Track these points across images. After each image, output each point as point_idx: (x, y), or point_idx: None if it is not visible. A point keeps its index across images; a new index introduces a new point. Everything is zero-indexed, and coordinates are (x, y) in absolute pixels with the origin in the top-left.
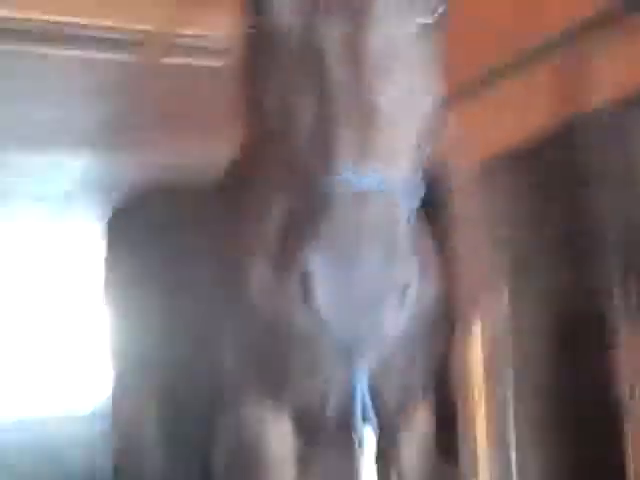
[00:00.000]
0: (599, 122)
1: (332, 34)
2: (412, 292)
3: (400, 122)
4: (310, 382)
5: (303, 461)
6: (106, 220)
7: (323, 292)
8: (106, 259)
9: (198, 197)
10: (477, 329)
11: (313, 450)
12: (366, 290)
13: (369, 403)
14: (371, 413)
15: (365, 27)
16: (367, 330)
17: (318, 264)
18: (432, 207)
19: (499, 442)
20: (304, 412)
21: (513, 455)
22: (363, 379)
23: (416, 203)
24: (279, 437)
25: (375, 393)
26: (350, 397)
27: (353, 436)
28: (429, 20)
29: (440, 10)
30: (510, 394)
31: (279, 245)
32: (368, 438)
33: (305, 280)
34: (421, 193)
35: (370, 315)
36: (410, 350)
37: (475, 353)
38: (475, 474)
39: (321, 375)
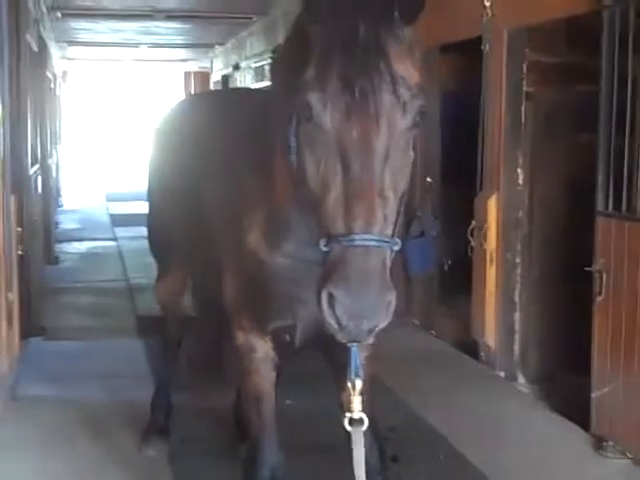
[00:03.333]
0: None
1: (351, 131)
2: (392, 304)
3: (391, 199)
4: (285, 322)
5: (277, 367)
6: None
7: (341, 306)
8: (153, 142)
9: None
10: (494, 199)
11: (284, 360)
12: (368, 304)
13: (359, 362)
14: (360, 369)
15: (374, 126)
16: (367, 326)
17: (339, 288)
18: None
19: (506, 303)
20: (280, 339)
21: (517, 315)
22: (355, 348)
23: (396, 249)
24: (263, 349)
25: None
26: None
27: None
28: (416, 119)
29: (423, 113)
30: (519, 259)
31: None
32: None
33: (330, 298)
34: (399, 244)
35: (369, 320)
36: None
37: (491, 219)
38: (483, 334)
39: (292, 318)
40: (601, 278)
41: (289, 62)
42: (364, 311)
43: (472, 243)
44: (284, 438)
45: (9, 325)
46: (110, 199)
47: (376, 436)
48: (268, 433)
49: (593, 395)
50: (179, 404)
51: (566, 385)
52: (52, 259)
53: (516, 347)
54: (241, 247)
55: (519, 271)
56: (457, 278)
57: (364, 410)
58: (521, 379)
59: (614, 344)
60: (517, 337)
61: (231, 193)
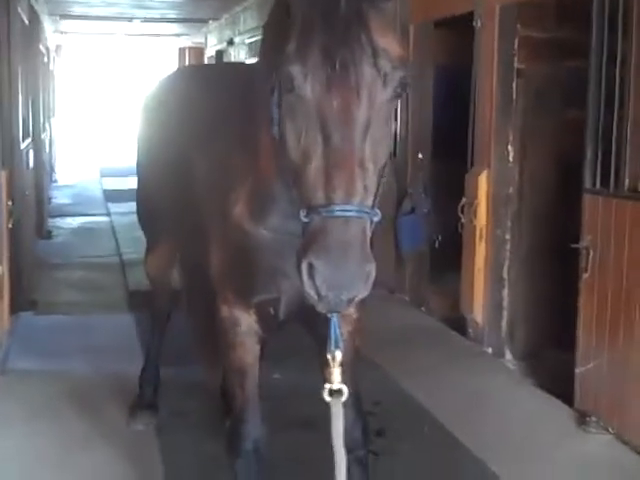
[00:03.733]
0: None
1: (331, 102)
2: (372, 275)
3: (371, 170)
4: (269, 295)
5: (262, 340)
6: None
7: (320, 276)
8: (141, 116)
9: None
10: (484, 176)
11: (268, 333)
12: (348, 274)
13: (338, 332)
14: (340, 340)
15: (355, 97)
16: (346, 297)
17: (320, 258)
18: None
19: (495, 279)
20: (264, 313)
21: (505, 292)
22: (335, 320)
23: (376, 220)
24: (247, 322)
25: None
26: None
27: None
28: (397, 91)
29: (405, 85)
30: (508, 235)
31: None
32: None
33: (310, 268)
34: (379, 215)
35: (348, 290)
36: None
37: (481, 195)
38: (471, 310)
39: (276, 291)
40: (587, 255)
41: (272, 36)
42: (343, 281)
43: (462, 219)
44: (271, 412)
45: None
46: (104, 174)
47: (359, 410)
48: (251, 406)
49: (577, 371)
50: (168, 378)
51: (553, 361)
52: (45, 234)
53: (504, 323)
54: (226, 220)
55: (508, 247)
56: (448, 255)
57: (347, 384)
58: (508, 355)
59: (599, 321)
60: (505, 313)
61: (217, 166)
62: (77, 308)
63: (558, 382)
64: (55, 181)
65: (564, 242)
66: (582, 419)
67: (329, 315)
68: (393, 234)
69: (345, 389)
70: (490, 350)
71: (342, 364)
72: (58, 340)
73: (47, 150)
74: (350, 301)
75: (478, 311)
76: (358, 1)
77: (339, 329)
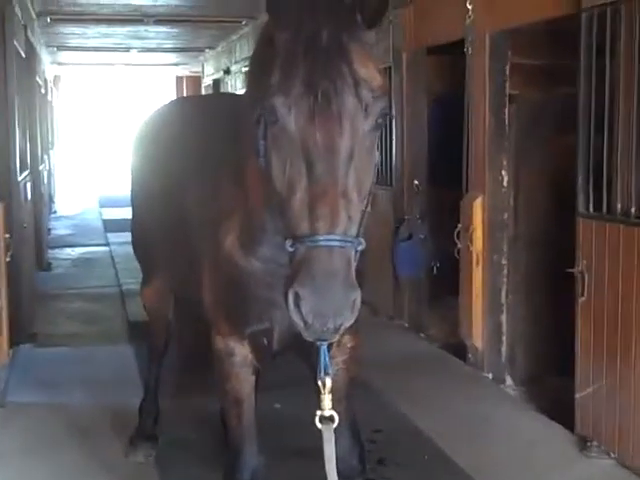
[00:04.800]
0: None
1: (314, 133)
2: (358, 303)
3: (355, 200)
4: (262, 326)
5: (256, 371)
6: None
7: (306, 305)
8: (133, 149)
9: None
10: (479, 201)
11: (263, 364)
12: (333, 302)
13: (328, 361)
14: (330, 367)
15: (337, 128)
16: (332, 325)
17: (305, 288)
18: None
19: (493, 304)
20: (258, 343)
21: (504, 317)
22: (324, 347)
23: (360, 249)
24: (242, 353)
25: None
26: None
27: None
28: (378, 121)
29: (385, 115)
30: (505, 260)
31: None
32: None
33: (296, 297)
34: (363, 244)
35: (334, 318)
36: None
37: (477, 221)
38: (470, 336)
39: (269, 322)
40: (583, 279)
41: (257, 68)
42: (329, 310)
43: (459, 245)
44: (271, 442)
45: None
46: (103, 204)
47: (357, 438)
48: (248, 436)
49: (577, 396)
50: (167, 409)
51: (553, 386)
52: (44, 265)
53: (503, 349)
54: (218, 251)
55: (505, 272)
56: (446, 280)
57: (342, 413)
58: (509, 381)
59: (596, 345)
60: (504, 339)
61: (207, 198)
62: (77, 340)
63: (559, 407)
64: (54, 212)
65: (561, 266)
66: (583, 444)
67: (317, 343)
68: (391, 260)
69: (336, 415)
70: (490, 376)
71: (334, 391)
72: (57, 372)
73: (45, 182)
74: (337, 329)
75: (477, 336)
76: (339, 33)
77: (329, 356)
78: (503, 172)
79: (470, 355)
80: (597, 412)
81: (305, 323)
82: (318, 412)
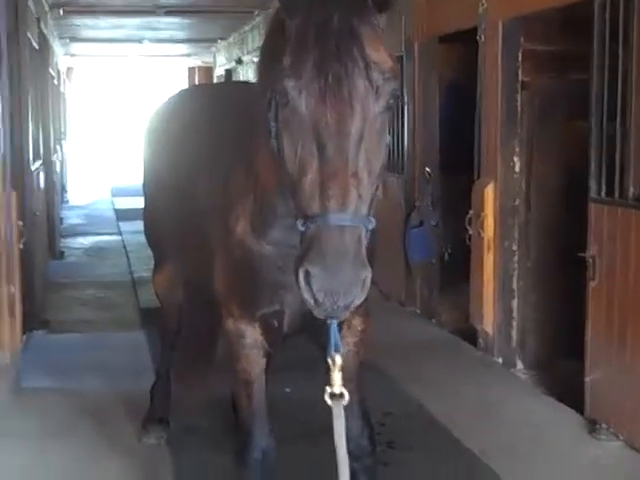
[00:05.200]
0: None
1: (325, 114)
2: (368, 281)
3: (365, 180)
4: (273, 308)
5: (267, 353)
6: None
7: (317, 283)
8: (145, 138)
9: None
10: (491, 188)
11: (273, 346)
12: (343, 280)
13: (339, 337)
14: (340, 344)
15: (348, 109)
16: (343, 302)
17: (316, 266)
18: None
19: (504, 290)
20: (269, 325)
21: (515, 302)
22: (334, 323)
23: (371, 228)
24: (252, 335)
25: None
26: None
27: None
28: (389, 102)
29: (397, 97)
30: (516, 246)
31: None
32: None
33: (307, 275)
34: (373, 224)
35: (345, 296)
36: None
37: (488, 207)
38: (481, 321)
39: (280, 304)
40: (594, 264)
41: (269, 53)
42: (339, 288)
43: (470, 232)
44: (282, 425)
45: (11, 318)
46: (115, 194)
47: (366, 419)
48: (259, 417)
49: (587, 379)
50: (178, 393)
51: (564, 370)
52: (57, 254)
53: (514, 333)
54: (229, 236)
55: (517, 258)
56: (457, 267)
57: (353, 394)
58: (519, 365)
59: (607, 328)
60: (515, 324)
61: (219, 183)
62: (89, 326)
63: (569, 391)
64: (67, 201)
65: (572, 251)
66: (593, 427)
67: (328, 321)
68: (402, 247)
69: (346, 392)
70: (501, 360)
71: (343, 372)
72: (71, 358)
73: (58, 171)
74: (347, 307)
75: (488, 322)
76: (350, 16)
77: (339, 335)
78: (515, 158)
79: (481, 340)
80: (607, 395)
81: (315, 301)
82: (328, 389)
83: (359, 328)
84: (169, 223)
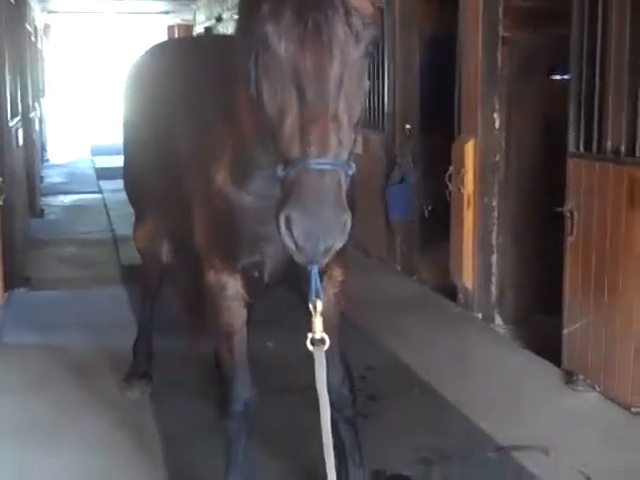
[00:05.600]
0: None
1: (305, 59)
2: (348, 225)
3: (345, 125)
4: (253, 259)
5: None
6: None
7: (297, 227)
8: (123, 92)
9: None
10: (471, 144)
11: (254, 297)
12: (324, 224)
13: (319, 283)
14: (321, 290)
15: (327, 54)
16: (323, 246)
17: (296, 210)
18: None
19: (483, 246)
20: (250, 277)
21: (494, 258)
22: (315, 269)
23: (350, 173)
24: (234, 287)
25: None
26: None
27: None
28: (369, 48)
29: (376, 43)
30: (496, 202)
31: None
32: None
33: (287, 220)
34: (353, 169)
35: (325, 240)
36: None
37: (469, 163)
38: (461, 277)
39: (260, 255)
40: (572, 218)
41: (247, 2)
42: (320, 231)
43: (450, 188)
44: (264, 379)
45: None
46: (95, 153)
47: (347, 370)
48: (240, 369)
49: (564, 332)
50: (161, 348)
51: (542, 325)
52: (37, 212)
53: (493, 289)
54: (209, 187)
55: (496, 214)
56: (437, 224)
57: (334, 345)
58: (498, 320)
59: (584, 282)
60: (494, 279)
61: (198, 135)
62: (70, 283)
63: (547, 345)
64: (47, 160)
65: (551, 208)
66: (569, 378)
67: (308, 267)
68: (383, 204)
69: (327, 337)
70: (480, 315)
71: (324, 323)
72: (52, 314)
73: (37, 129)
74: (327, 251)
75: (468, 277)
76: None
77: (319, 281)
78: (495, 115)
79: (460, 296)
80: (583, 347)
81: (296, 245)
82: (309, 334)
83: (339, 279)
84: (149, 177)
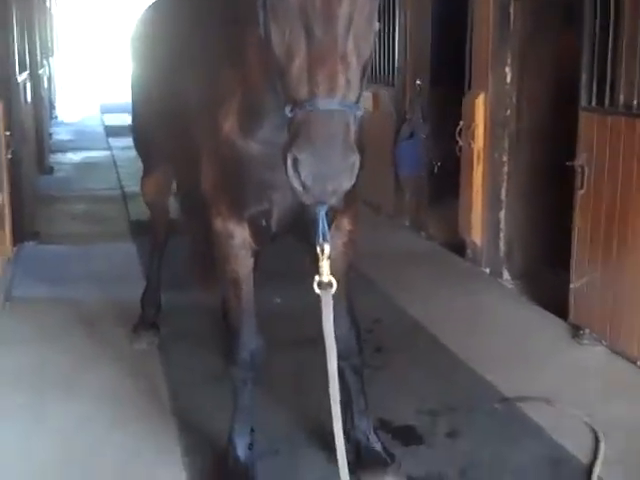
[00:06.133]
0: None
1: (314, 1)
2: (356, 166)
3: (354, 65)
4: (261, 207)
5: (255, 253)
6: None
7: (305, 168)
8: (130, 42)
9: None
10: (482, 98)
11: (261, 246)
12: (332, 164)
13: (326, 225)
14: (328, 234)
15: None
16: (331, 187)
17: (303, 151)
18: None
19: (492, 201)
20: (257, 225)
21: (503, 213)
22: (323, 210)
23: (360, 115)
24: (241, 235)
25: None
26: (287, 218)
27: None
28: None
29: None
30: (506, 157)
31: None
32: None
33: (295, 161)
34: (362, 109)
35: (333, 181)
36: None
37: (479, 118)
38: (470, 232)
39: (268, 203)
40: (583, 173)
41: None
42: (328, 172)
43: (460, 143)
44: (271, 333)
45: (1, 227)
46: (104, 111)
47: (353, 319)
48: (247, 317)
49: (572, 286)
50: (169, 301)
51: (550, 280)
52: (46, 169)
53: (502, 244)
54: (217, 134)
55: (506, 169)
56: (447, 180)
57: (341, 295)
58: (506, 275)
59: (593, 236)
60: (502, 235)
61: (206, 82)
62: (80, 239)
63: (554, 299)
64: (56, 118)
65: (562, 163)
66: (576, 332)
67: (316, 209)
68: (392, 160)
69: (334, 281)
70: (488, 270)
71: (332, 273)
72: (61, 268)
73: (46, 86)
74: (335, 192)
75: (476, 233)
76: None
77: (327, 225)
78: (507, 69)
79: (469, 251)
80: (591, 301)
81: (304, 187)
82: (317, 278)
83: (347, 229)
84: (158, 128)
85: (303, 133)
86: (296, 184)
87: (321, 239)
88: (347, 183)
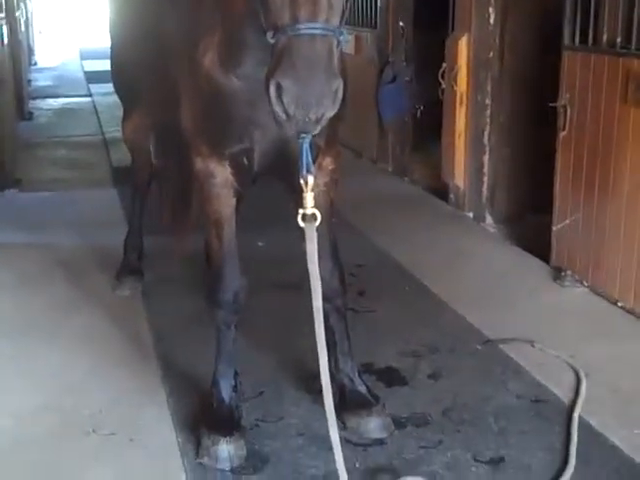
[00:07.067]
0: None
1: None
2: (339, 93)
3: None
4: (242, 145)
5: (237, 192)
6: None
7: (288, 95)
8: None
9: None
10: (464, 40)
11: (243, 186)
12: (315, 91)
13: (310, 157)
14: (312, 165)
15: None
16: (314, 115)
17: (286, 77)
18: None
19: (475, 144)
20: (239, 164)
21: (486, 157)
22: (307, 142)
23: (343, 40)
24: (222, 174)
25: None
26: (269, 157)
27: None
28: None
29: None
30: (489, 100)
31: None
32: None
33: (278, 88)
34: (345, 35)
35: (316, 108)
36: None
37: (462, 60)
38: (452, 176)
39: (249, 141)
40: (565, 113)
41: None
42: (311, 99)
43: (443, 85)
44: (254, 276)
45: None
46: (85, 56)
47: (337, 260)
48: (229, 257)
49: (554, 228)
50: (152, 247)
51: (532, 224)
52: (26, 115)
53: (484, 188)
54: (197, 70)
55: (488, 112)
56: (430, 124)
57: (324, 234)
58: (489, 219)
59: (575, 178)
60: (486, 178)
61: (185, 17)
62: (61, 185)
63: (537, 243)
64: (35, 64)
65: (544, 106)
66: (558, 274)
67: (300, 140)
68: (375, 103)
69: (318, 213)
70: (471, 214)
71: (314, 189)
72: (44, 214)
73: (23, 29)
74: (318, 120)
75: (459, 177)
76: None
77: (311, 155)
78: (490, 9)
79: (452, 195)
80: (572, 243)
81: (287, 114)
82: (300, 210)
83: (329, 168)
84: (137, 67)
85: (285, 58)
86: (279, 111)
87: (305, 171)
88: (330, 110)
